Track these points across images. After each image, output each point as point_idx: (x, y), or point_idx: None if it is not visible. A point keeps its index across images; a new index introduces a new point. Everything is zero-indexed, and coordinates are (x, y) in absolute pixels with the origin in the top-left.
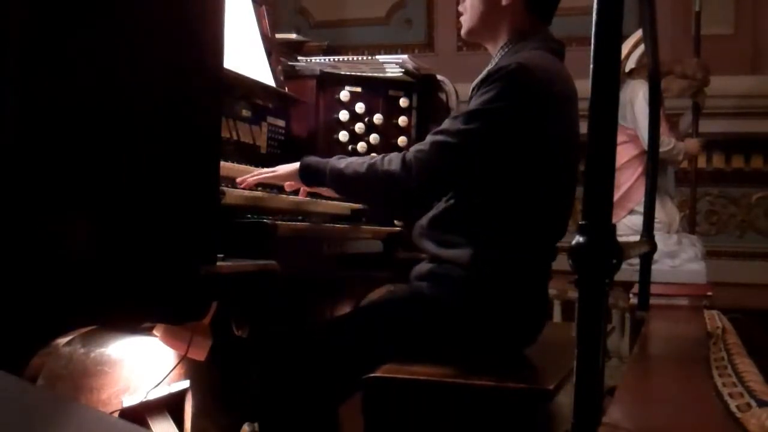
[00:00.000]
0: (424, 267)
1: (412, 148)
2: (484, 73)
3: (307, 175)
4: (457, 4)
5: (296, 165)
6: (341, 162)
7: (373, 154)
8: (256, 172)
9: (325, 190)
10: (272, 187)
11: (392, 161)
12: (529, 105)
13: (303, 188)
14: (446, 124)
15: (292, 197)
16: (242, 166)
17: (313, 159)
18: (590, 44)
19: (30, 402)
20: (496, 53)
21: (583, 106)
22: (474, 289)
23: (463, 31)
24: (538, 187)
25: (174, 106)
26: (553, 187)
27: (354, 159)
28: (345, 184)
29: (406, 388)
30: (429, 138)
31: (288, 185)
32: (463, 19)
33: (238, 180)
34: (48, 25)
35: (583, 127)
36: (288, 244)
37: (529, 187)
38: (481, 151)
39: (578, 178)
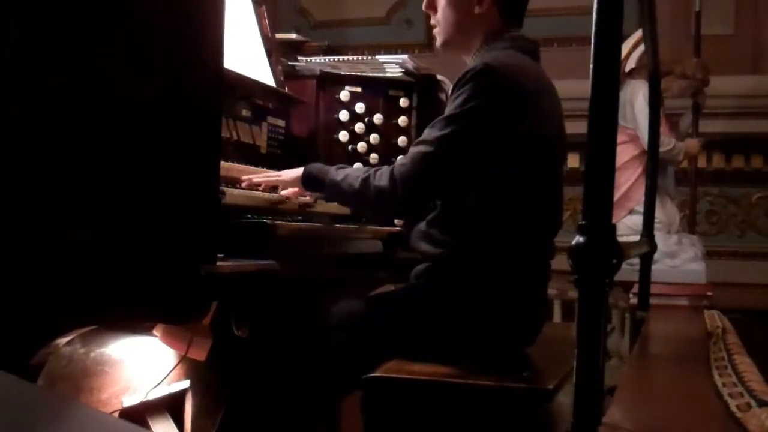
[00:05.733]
0: (421, 267)
1: (397, 162)
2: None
3: (308, 182)
4: (428, 18)
5: (300, 171)
6: (339, 173)
7: (368, 167)
8: (262, 174)
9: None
10: (273, 187)
11: (383, 176)
12: (500, 102)
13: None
14: (425, 133)
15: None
16: (242, 166)
17: (315, 167)
18: (590, 44)
19: (30, 402)
20: (470, 59)
21: (583, 106)
22: (469, 287)
23: (438, 43)
24: (522, 184)
25: (174, 105)
26: (538, 183)
27: (351, 171)
28: (341, 195)
29: (406, 388)
30: (411, 149)
31: (292, 192)
32: (436, 31)
33: (243, 178)
34: (48, 24)
35: (583, 127)
36: (288, 244)
37: (513, 184)
38: (460, 154)
39: (574, 178)
